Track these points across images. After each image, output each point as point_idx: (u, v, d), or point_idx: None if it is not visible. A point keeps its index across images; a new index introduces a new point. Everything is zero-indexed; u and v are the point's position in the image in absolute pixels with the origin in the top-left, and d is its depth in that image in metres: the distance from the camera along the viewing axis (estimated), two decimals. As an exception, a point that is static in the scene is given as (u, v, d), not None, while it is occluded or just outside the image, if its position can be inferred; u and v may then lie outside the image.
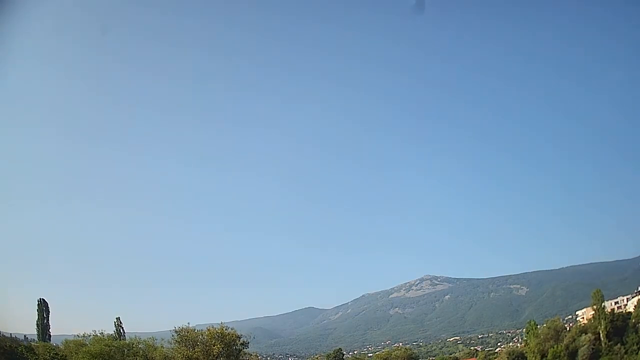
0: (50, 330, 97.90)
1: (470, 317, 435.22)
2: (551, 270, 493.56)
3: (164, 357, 56.11)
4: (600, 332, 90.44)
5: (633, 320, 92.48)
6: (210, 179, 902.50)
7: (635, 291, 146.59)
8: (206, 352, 54.71)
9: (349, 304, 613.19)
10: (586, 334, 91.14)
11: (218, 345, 55.07)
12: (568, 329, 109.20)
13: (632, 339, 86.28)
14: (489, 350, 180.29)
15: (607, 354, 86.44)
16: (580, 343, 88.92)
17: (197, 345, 55.68)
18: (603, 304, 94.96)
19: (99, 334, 60.31)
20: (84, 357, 53.86)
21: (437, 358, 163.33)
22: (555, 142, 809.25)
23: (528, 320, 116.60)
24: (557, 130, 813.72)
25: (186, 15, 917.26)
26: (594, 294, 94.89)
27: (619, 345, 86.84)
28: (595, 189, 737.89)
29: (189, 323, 58.26)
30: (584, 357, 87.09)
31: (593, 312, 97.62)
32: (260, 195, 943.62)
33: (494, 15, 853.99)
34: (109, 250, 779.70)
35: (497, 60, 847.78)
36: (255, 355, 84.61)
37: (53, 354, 62.85)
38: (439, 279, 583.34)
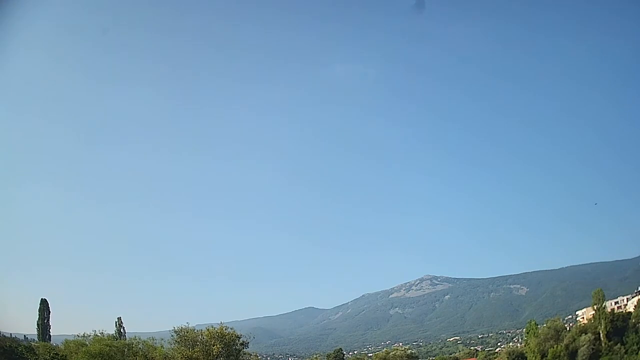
0: (50, 330, 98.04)
1: (470, 317, 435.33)
2: (551, 270, 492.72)
3: (164, 357, 56.15)
4: (600, 332, 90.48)
5: (633, 320, 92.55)
6: (211, 179, 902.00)
7: (635, 291, 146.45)
8: (206, 352, 54.81)
9: (349, 304, 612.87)
10: (586, 334, 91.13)
11: (218, 345, 55.19)
12: (568, 329, 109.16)
13: (632, 339, 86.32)
14: (489, 350, 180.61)
15: (607, 354, 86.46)
16: (580, 343, 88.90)
17: (197, 345, 55.80)
18: (603, 303, 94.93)
19: (99, 334, 60.44)
20: (83, 357, 53.86)
21: (437, 358, 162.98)
22: (556, 141, 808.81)
23: (528, 320, 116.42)
24: (557, 130, 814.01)
25: (194, 9, 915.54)
26: (595, 293, 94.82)
27: (619, 345, 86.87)
28: (596, 189, 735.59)
29: (188, 323, 58.60)
30: (584, 357, 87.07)
31: (593, 312, 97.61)
32: (260, 196, 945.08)
33: (494, 15, 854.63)
34: (109, 249, 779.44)
35: (498, 59, 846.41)
36: (255, 355, 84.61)
37: (53, 354, 62.69)
38: (439, 279, 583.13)
